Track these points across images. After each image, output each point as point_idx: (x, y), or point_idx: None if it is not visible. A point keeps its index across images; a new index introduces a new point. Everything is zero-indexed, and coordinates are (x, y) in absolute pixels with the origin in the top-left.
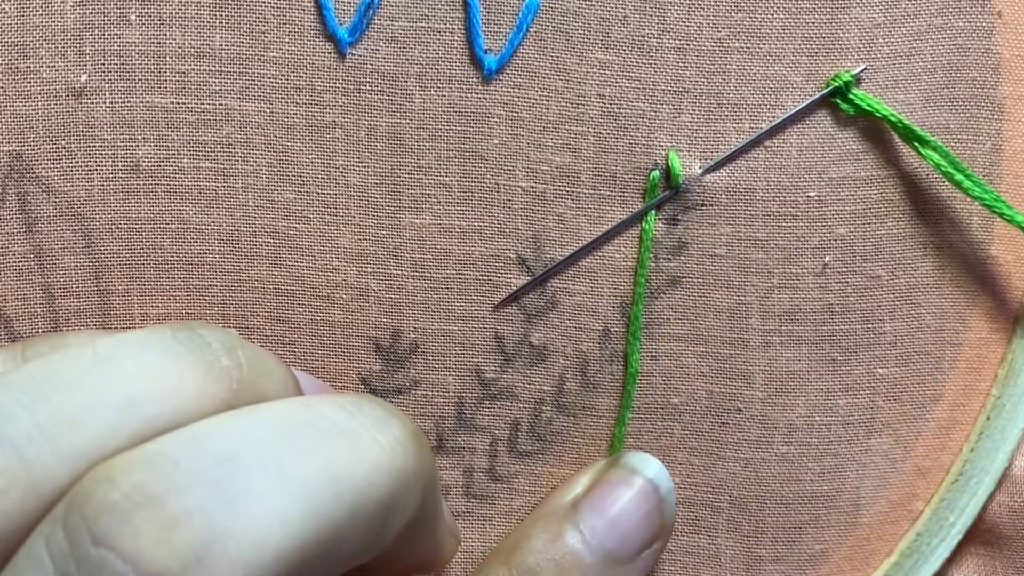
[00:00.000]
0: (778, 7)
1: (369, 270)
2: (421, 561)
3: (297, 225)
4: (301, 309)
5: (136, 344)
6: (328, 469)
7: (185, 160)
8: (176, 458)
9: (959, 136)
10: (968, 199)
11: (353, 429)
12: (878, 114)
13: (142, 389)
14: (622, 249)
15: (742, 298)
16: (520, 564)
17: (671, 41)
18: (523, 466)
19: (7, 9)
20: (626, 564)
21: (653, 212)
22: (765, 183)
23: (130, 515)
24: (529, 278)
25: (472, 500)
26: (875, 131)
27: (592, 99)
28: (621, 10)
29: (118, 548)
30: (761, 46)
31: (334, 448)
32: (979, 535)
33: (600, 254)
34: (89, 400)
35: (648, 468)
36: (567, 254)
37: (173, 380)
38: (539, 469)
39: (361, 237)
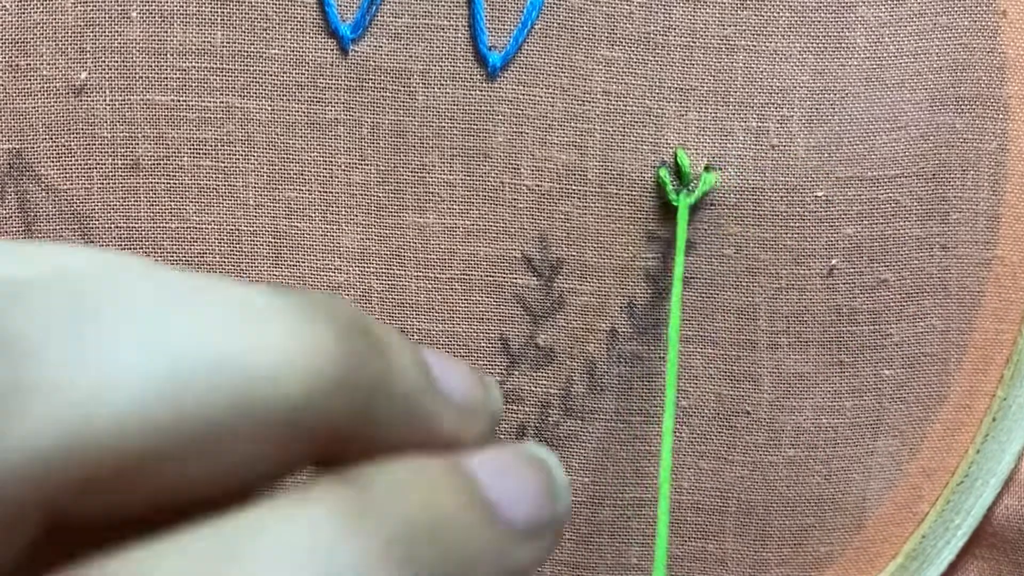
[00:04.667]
0: (784, 5)
1: (371, 270)
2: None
3: (298, 224)
4: None
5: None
6: (211, 345)
7: (185, 158)
8: None
9: (964, 136)
10: (974, 200)
11: (271, 310)
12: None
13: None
14: (630, 248)
15: (750, 299)
16: (362, 476)
17: (677, 38)
18: None
19: (8, 6)
20: (516, 531)
21: (686, 203)
22: (773, 183)
23: None
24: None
25: None
26: (882, 132)
27: (598, 96)
28: (626, 7)
29: None
30: (767, 44)
31: (238, 322)
32: (985, 538)
33: (608, 253)
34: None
35: (547, 455)
36: (573, 253)
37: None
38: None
39: (363, 236)
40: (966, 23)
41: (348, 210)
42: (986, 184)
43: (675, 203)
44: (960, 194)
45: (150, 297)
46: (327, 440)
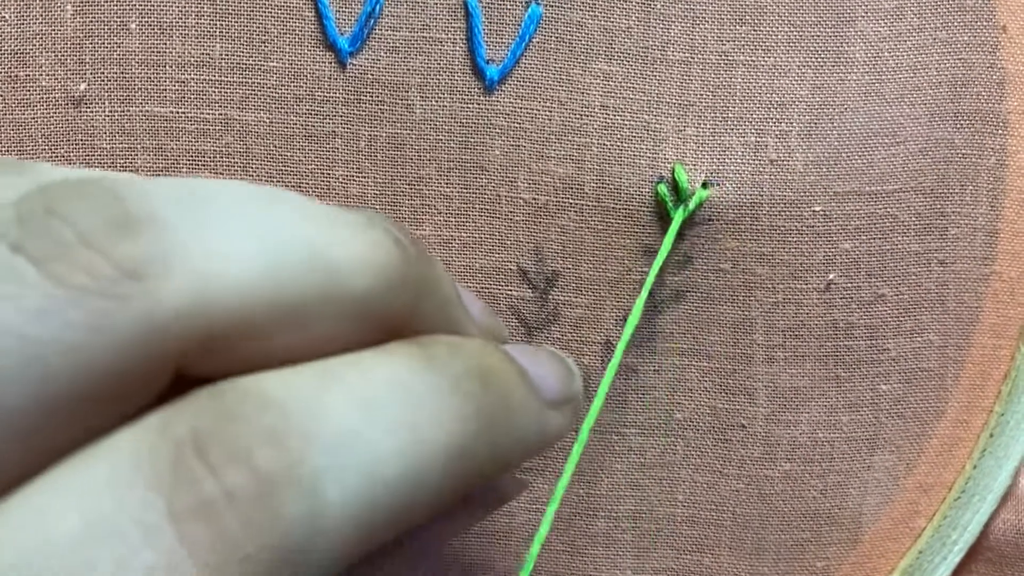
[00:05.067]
0: (782, 20)
1: None
2: None
3: None
4: None
5: (296, 196)
6: (303, 240)
7: (184, 170)
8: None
9: (963, 151)
10: (972, 215)
11: (345, 219)
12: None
13: (317, 234)
14: (625, 262)
15: (746, 313)
16: (427, 341)
17: (675, 54)
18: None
19: (7, 17)
20: (547, 400)
21: (680, 216)
22: (771, 197)
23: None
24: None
25: None
26: (880, 147)
27: (595, 110)
28: (624, 21)
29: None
30: (766, 59)
31: (323, 225)
32: (982, 554)
33: (604, 266)
34: (243, 230)
35: (559, 352)
36: (568, 266)
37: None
38: (540, 487)
39: None
40: (966, 38)
41: None
42: (984, 199)
43: (673, 217)
44: (958, 209)
45: (251, 196)
46: (383, 330)
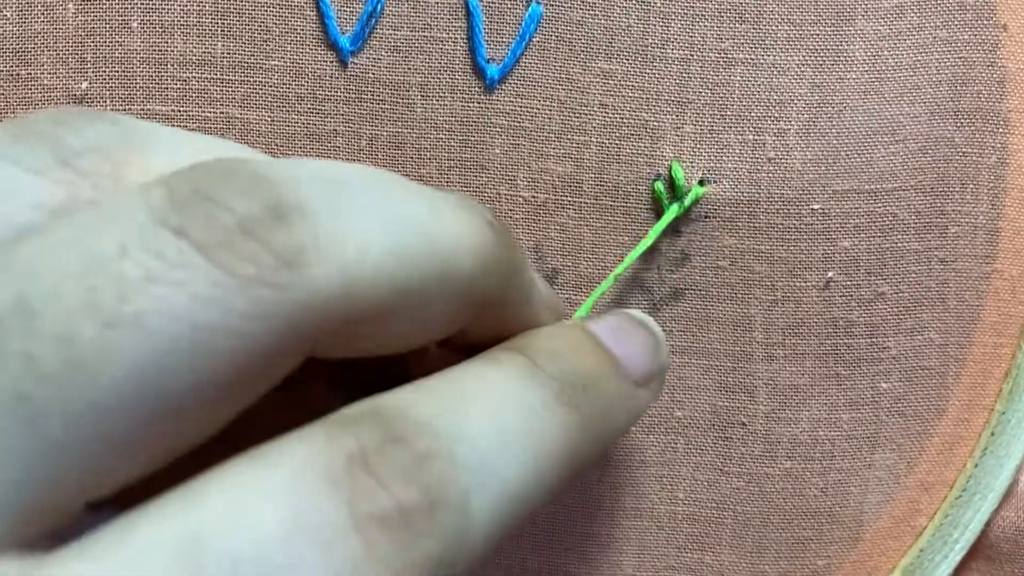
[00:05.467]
0: (782, 18)
1: None
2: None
3: None
4: None
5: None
6: (422, 225)
7: None
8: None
9: (964, 150)
10: (973, 214)
11: (447, 202)
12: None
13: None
14: (624, 259)
15: (745, 311)
16: (530, 347)
17: (674, 52)
18: None
19: (8, 15)
20: (632, 380)
21: (673, 211)
22: (769, 195)
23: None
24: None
25: None
26: (879, 145)
27: (595, 109)
28: (624, 20)
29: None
30: (765, 57)
31: (431, 209)
32: (982, 551)
33: (603, 264)
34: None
35: (646, 317)
36: (568, 264)
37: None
38: None
39: None
40: (966, 36)
41: None
42: (985, 198)
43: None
44: (959, 207)
45: (374, 181)
46: (478, 308)
